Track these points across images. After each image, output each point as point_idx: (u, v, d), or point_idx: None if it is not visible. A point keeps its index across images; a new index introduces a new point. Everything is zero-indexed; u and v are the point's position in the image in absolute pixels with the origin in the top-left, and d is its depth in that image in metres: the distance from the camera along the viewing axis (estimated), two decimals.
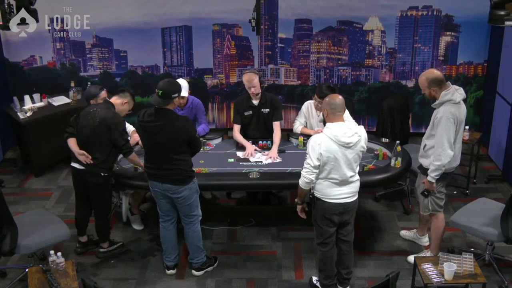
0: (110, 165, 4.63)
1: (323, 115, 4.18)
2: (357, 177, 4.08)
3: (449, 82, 4.36)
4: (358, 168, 4.09)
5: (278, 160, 5.08)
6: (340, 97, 4.03)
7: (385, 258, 4.87)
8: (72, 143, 4.58)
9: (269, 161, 5.06)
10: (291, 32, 7.07)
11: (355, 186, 4.08)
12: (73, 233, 4.81)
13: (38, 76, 6.99)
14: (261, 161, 5.05)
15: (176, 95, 4.18)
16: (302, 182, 4.03)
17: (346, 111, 5.37)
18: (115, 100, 4.65)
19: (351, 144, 3.90)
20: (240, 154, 5.19)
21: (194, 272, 4.67)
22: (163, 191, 4.33)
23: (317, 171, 3.97)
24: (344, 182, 4.00)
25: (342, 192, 4.03)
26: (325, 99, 4.07)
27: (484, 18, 4.78)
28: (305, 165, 3.98)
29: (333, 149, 3.89)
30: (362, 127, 4.05)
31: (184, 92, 4.94)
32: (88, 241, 4.99)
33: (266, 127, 5.38)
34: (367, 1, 6.81)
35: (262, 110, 5.32)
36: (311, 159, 3.92)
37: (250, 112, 5.33)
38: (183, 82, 5.05)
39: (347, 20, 6.98)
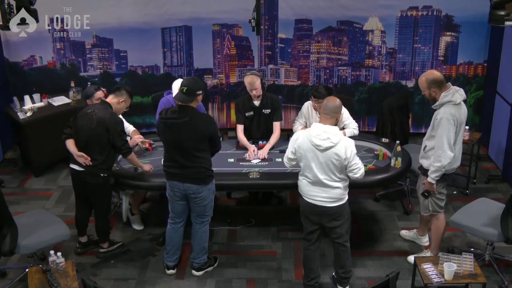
0: (110, 165, 4.63)
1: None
2: (337, 184, 4.00)
3: (449, 83, 4.36)
4: (337, 176, 3.97)
5: (263, 156, 5.13)
6: (336, 102, 4.03)
7: (385, 258, 4.87)
8: (70, 144, 4.57)
9: (257, 160, 5.10)
10: (291, 32, 7.07)
11: (334, 193, 4.02)
12: (73, 233, 4.81)
13: (38, 76, 6.98)
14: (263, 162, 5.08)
15: (200, 92, 4.23)
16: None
17: (346, 112, 5.40)
18: (111, 99, 4.63)
19: (320, 148, 3.90)
20: (245, 155, 5.19)
21: (194, 272, 4.67)
22: (183, 191, 4.34)
23: (292, 163, 4.18)
24: (317, 184, 4.01)
25: (316, 194, 4.05)
26: (325, 100, 4.13)
27: (484, 18, 4.78)
28: (285, 154, 4.19)
29: (305, 147, 3.98)
30: (348, 140, 3.96)
31: None
32: (88, 241, 4.98)
33: (267, 127, 5.38)
34: (367, 1, 6.80)
35: (264, 110, 5.32)
36: (288, 151, 4.13)
37: (252, 112, 5.33)
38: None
39: (347, 20, 6.98)
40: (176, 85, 5.09)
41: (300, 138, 4.02)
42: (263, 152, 5.16)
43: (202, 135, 4.21)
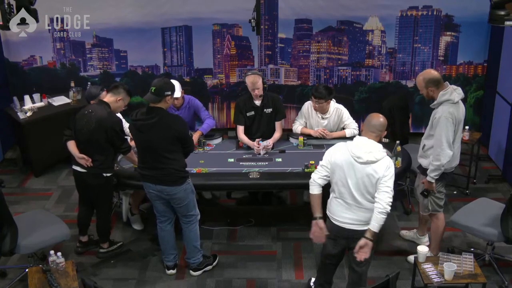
0: (111, 165, 4.63)
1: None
2: (369, 205, 3.69)
3: (447, 82, 4.37)
4: (370, 195, 3.67)
5: (270, 145, 5.21)
6: (380, 119, 3.72)
7: (385, 258, 4.87)
8: (71, 146, 4.57)
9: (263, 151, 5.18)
10: (291, 32, 7.07)
11: (364, 216, 3.72)
12: (73, 233, 4.81)
13: (38, 76, 6.99)
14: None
15: (169, 93, 4.19)
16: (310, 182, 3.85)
17: (346, 112, 5.41)
18: (108, 98, 4.60)
19: (361, 160, 3.61)
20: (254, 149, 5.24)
21: (191, 272, 4.67)
22: (157, 192, 4.33)
23: (323, 172, 3.77)
24: (350, 203, 3.72)
25: (348, 216, 3.75)
26: (367, 117, 3.81)
27: (484, 18, 4.78)
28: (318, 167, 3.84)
29: (343, 157, 3.67)
30: (389, 159, 3.68)
31: (177, 93, 4.93)
32: (89, 241, 4.98)
33: (268, 127, 5.39)
34: (367, 1, 6.81)
35: (265, 110, 5.33)
36: (323, 159, 3.79)
37: (253, 112, 5.34)
38: (175, 83, 5.04)
39: (347, 20, 6.98)
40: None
41: (340, 147, 3.74)
42: (271, 141, 5.22)
43: (171, 136, 4.16)
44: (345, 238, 3.84)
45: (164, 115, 4.18)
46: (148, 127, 4.15)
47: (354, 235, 3.75)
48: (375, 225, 3.61)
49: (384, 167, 3.61)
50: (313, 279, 4.46)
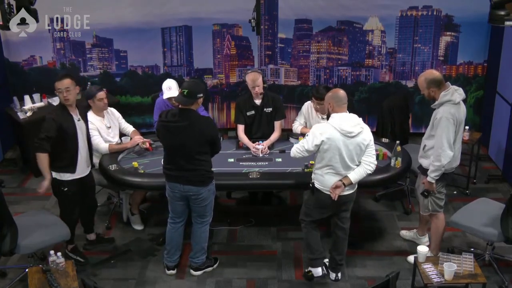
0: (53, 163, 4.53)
1: (328, 110, 4.27)
2: (355, 168, 4.20)
3: (448, 82, 4.37)
4: (358, 161, 4.18)
5: (265, 149, 5.20)
6: (342, 90, 4.19)
7: (385, 258, 4.87)
8: None
9: (259, 153, 5.18)
10: (291, 32, 7.07)
11: None
12: None
13: (38, 76, 6.98)
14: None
15: (201, 95, 4.22)
16: (291, 154, 4.27)
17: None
18: None
19: (353, 134, 4.01)
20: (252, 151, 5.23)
21: (192, 271, 4.67)
22: (183, 193, 4.34)
23: (306, 154, 4.18)
24: (343, 173, 4.13)
25: None
26: (328, 94, 4.23)
27: (484, 18, 4.78)
28: (299, 146, 4.16)
29: (335, 137, 4.01)
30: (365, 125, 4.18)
31: (175, 92, 4.93)
32: (97, 239, 4.98)
33: (269, 126, 5.39)
34: (367, 1, 6.81)
35: (265, 109, 5.33)
36: (308, 143, 4.09)
37: (253, 112, 5.34)
38: (171, 82, 5.04)
39: (347, 20, 6.98)
40: (167, 85, 5.08)
41: (327, 130, 4.04)
42: (265, 144, 5.21)
43: (203, 139, 4.20)
44: (338, 204, 4.24)
45: (197, 118, 4.22)
46: (180, 130, 4.17)
47: (347, 199, 4.27)
48: (355, 177, 4.15)
49: (369, 133, 4.14)
50: (312, 270, 4.54)
